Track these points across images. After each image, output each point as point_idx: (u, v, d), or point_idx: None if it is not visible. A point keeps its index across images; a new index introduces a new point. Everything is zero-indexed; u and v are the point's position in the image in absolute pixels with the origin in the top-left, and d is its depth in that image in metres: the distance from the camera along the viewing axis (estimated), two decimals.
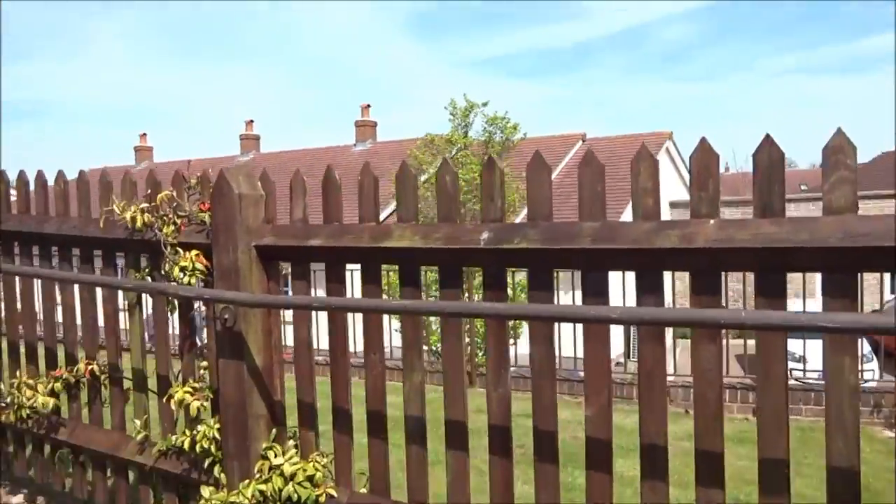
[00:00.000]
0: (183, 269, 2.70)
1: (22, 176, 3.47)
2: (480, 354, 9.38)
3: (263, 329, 2.60)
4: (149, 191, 2.88)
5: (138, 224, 2.81)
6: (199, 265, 2.70)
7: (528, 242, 1.96)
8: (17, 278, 3.62)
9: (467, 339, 7.92)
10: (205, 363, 2.87)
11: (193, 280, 2.74)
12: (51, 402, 3.30)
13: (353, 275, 2.50)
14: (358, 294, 2.42)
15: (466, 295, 9.67)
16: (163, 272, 2.81)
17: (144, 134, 33.99)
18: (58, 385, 3.32)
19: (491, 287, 2.14)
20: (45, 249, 3.46)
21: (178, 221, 2.79)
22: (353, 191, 2.50)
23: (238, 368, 2.59)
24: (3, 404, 3.49)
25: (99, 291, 3.22)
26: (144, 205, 2.84)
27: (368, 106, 28.47)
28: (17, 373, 3.55)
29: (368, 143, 27.80)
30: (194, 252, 2.71)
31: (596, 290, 1.97)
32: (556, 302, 2.18)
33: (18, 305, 3.61)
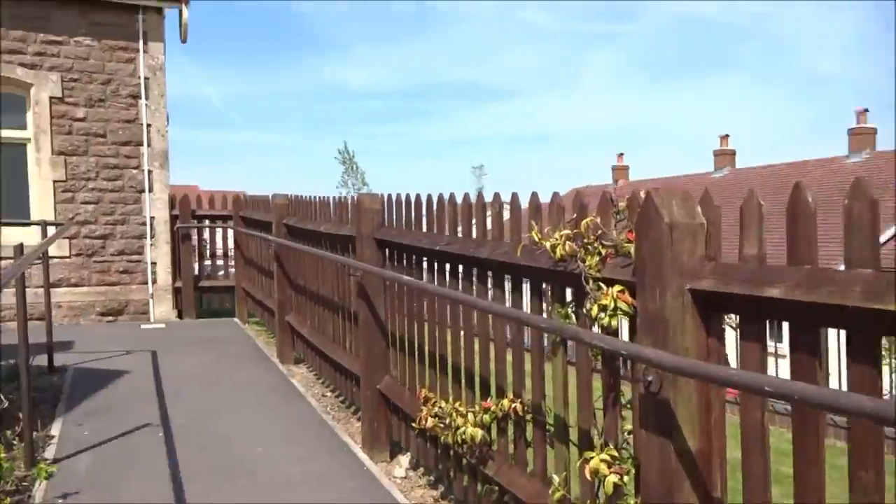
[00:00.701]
0: (603, 308, 2.23)
1: (451, 199, 3.43)
2: None
3: (700, 402, 1.96)
4: (574, 215, 2.48)
5: (558, 254, 2.43)
6: (622, 305, 2.19)
7: None
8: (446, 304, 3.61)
9: None
10: (629, 426, 2.35)
11: (615, 322, 2.24)
12: (479, 433, 3.19)
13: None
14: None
15: None
16: (584, 310, 2.38)
17: (622, 154, 35.29)
18: (486, 417, 3.17)
19: None
20: (482, 273, 3.34)
21: (604, 252, 2.32)
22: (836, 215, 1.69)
23: (663, 447, 1.99)
24: (443, 425, 3.51)
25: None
26: (567, 231, 2.44)
27: (866, 111, 24.54)
28: (451, 398, 3.52)
29: (865, 155, 23.87)
30: (617, 288, 2.20)
31: None
32: None
33: (462, 333, 3.59)
